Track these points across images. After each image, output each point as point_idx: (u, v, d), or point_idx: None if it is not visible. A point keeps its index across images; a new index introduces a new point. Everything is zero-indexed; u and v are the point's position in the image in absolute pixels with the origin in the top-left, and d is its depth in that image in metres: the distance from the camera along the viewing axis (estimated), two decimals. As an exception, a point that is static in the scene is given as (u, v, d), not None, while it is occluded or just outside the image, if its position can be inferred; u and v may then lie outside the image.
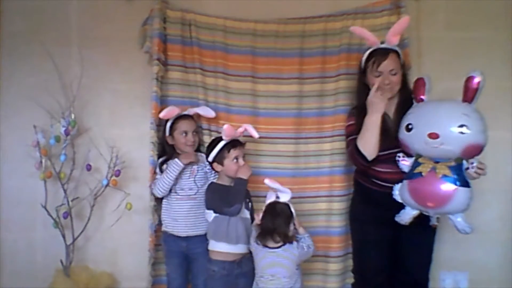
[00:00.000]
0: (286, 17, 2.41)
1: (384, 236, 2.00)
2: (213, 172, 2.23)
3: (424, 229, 1.89)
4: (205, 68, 2.38)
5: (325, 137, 2.35)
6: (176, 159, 2.15)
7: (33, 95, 2.43)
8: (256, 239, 2.01)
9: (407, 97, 1.93)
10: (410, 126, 1.77)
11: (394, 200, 1.85)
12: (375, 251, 2.02)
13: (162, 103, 2.31)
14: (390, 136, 1.90)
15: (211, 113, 2.29)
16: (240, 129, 2.16)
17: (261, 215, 2.02)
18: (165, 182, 2.15)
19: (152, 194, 2.23)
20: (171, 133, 2.24)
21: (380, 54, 1.94)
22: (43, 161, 2.36)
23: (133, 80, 2.47)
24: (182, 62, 2.37)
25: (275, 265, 1.96)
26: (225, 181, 2.14)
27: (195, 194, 2.18)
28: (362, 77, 2.02)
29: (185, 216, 2.17)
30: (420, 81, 1.88)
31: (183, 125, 2.21)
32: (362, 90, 2.00)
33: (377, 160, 1.93)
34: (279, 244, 1.97)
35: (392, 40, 1.94)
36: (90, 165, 2.40)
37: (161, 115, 2.20)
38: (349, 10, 2.37)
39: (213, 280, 2.09)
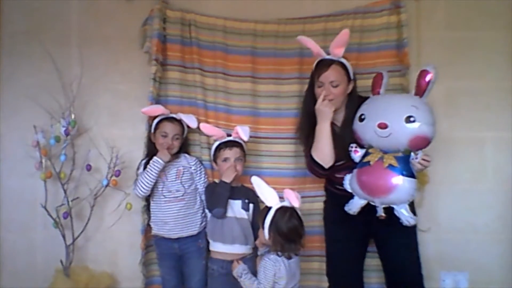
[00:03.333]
0: (286, 17, 2.41)
1: (356, 237, 2.02)
2: (199, 172, 2.23)
3: (399, 229, 1.85)
4: (204, 69, 2.38)
5: (325, 137, 2.35)
6: (155, 157, 2.12)
7: (33, 95, 2.43)
8: (277, 251, 1.84)
9: (354, 105, 1.94)
10: (362, 117, 1.82)
11: None
12: (346, 252, 2.03)
13: (162, 103, 2.31)
14: (340, 146, 1.92)
15: (193, 124, 2.24)
16: (233, 133, 2.18)
17: (267, 227, 1.85)
18: (146, 181, 2.11)
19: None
20: (154, 132, 2.22)
21: (322, 65, 1.96)
22: (43, 161, 2.36)
23: (133, 80, 2.47)
24: (182, 62, 2.37)
25: (294, 275, 1.87)
26: None
27: (182, 196, 2.16)
28: (311, 88, 2.03)
29: (175, 218, 2.15)
30: (378, 76, 1.94)
31: (165, 127, 2.18)
32: (310, 100, 2.02)
33: (335, 169, 1.97)
34: (297, 252, 1.88)
35: (335, 52, 1.94)
36: (90, 165, 2.40)
37: (143, 110, 2.20)
38: (349, 10, 2.37)
39: (212, 278, 2.11)
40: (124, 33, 2.46)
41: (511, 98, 2.41)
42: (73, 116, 2.39)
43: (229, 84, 2.39)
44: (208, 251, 2.18)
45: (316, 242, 2.30)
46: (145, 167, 2.17)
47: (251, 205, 2.16)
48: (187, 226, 2.16)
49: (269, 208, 1.88)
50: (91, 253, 2.48)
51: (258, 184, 1.94)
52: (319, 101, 1.94)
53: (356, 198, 1.86)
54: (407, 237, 1.96)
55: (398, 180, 1.72)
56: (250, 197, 2.17)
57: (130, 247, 2.44)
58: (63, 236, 2.36)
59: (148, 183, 2.12)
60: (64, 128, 2.36)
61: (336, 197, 2.02)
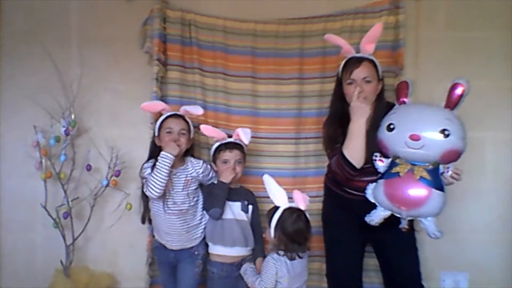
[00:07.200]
0: (286, 17, 2.41)
1: (355, 238, 2.00)
2: (207, 177, 2.17)
3: (398, 231, 1.82)
4: (204, 69, 2.38)
5: (325, 137, 2.35)
6: (163, 152, 1.98)
7: (33, 95, 2.43)
8: (281, 250, 1.83)
9: (382, 108, 1.88)
10: (391, 126, 1.75)
11: (366, 206, 1.81)
12: (345, 253, 2.02)
13: (162, 103, 2.31)
14: (367, 149, 1.85)
15: (198, 111, 2.15)
16: (234, 135, 2.15)
17: (273, 226, 1.83)
18: (158, 180, 1.96)
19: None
20: (159, 134, 2.10)
21: (353, 62, 1.91)
22: (43, 161, 2.36)
23: (133, 80, 2.47)
24: (181, 62, 2.37)
25: (298, 276, 1.86)
26: None
27: (187, 208, 2.07)
28: (338, 87, 1.97)
29: (178, 232, 2.07)
30: (403, 84, 1.88)
31: (169, 123, 2.07)
32: (338, 101, 1.96)
33: (363, 171, 1.88)
34: (303, 254, 1.87)
35: (366, 48, 1.90)
36: (90, 165, 2.40)
37: (143, 105, 2.12)
38: (348, 10, 2.37)
39: (212, 281, 2.09)
40: (124, 33, 2.46)
41: (511, 98, 2.42)
42: (73, 116, 2.39)
43: (229, 84, 2.39)
44: (208, 254, 2.13)
45: (316, 242, 2.30)
46: (152, 170, 2.03)
47: (250, 207, 2.15)
48: (189, 240, 2.10)
49: (277, 208, 1.87)
50: (91, 253, 2.48)
51: (269, 183, 1.91)
52: (354, 97, 1.84)
53: (379, 208, 1.79)
54: (406, 238, 1.94)
55: (430, 193, 1.67)
56: (249, 198, 2.16)
57: (130, 247, 2.45)
58: (63, 236, 2.36)
59: (160, 182, 1.96)
60: (64, 128, 2.36)
61: (341, 199, 2.00)
